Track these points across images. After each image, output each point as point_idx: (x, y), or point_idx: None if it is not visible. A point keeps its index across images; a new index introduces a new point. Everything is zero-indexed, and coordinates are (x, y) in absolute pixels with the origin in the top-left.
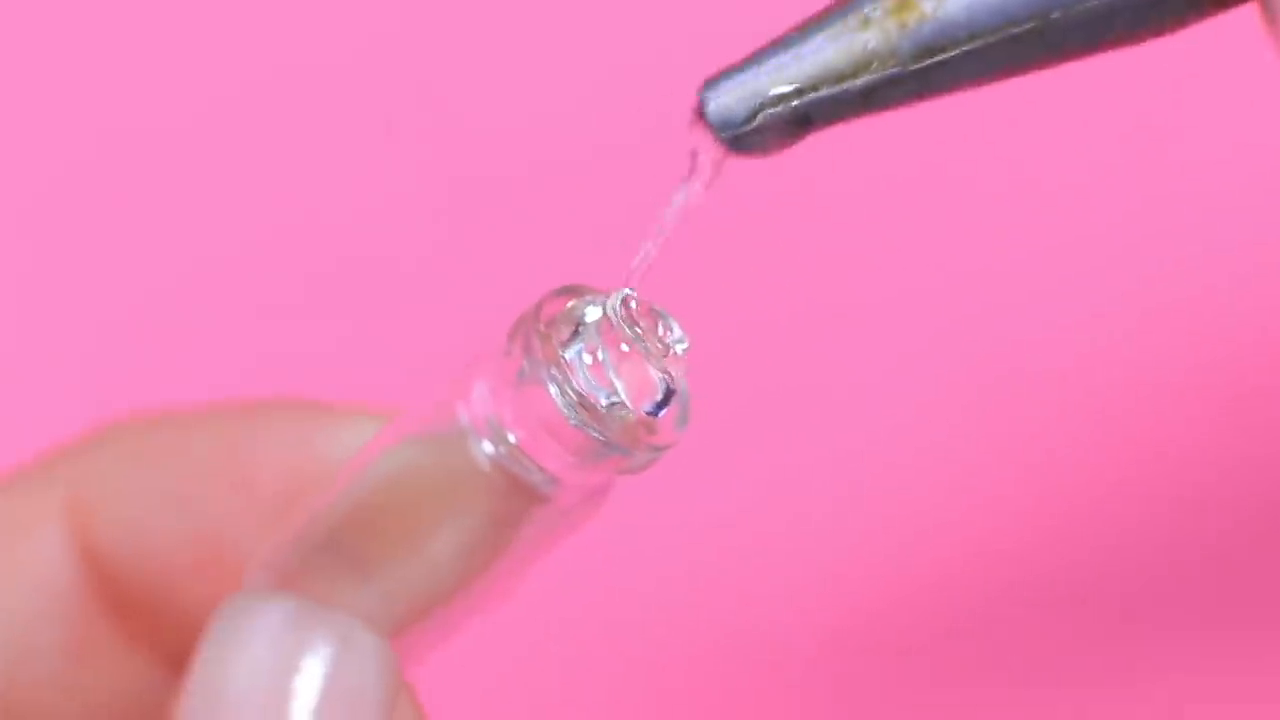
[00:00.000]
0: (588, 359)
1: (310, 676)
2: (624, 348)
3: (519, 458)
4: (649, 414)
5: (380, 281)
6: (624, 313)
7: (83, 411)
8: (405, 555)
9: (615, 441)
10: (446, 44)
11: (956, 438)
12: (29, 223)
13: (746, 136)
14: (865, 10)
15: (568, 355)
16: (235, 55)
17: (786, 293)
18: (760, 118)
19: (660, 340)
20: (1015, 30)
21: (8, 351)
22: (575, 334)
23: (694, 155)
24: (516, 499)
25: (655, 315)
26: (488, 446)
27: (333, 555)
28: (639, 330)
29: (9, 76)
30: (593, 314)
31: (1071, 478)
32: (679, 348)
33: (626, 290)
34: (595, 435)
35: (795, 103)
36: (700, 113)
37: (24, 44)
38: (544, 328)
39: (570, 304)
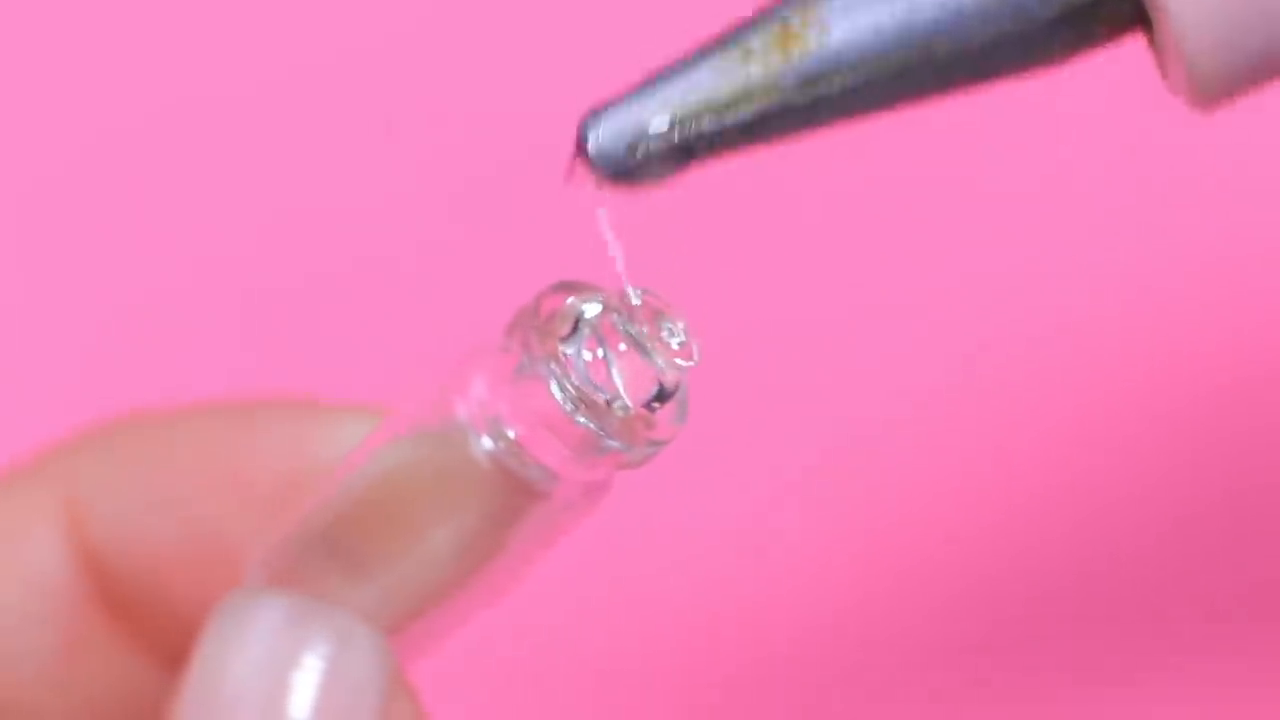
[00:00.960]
0: (587, 355)
1: (308, 673)
2: (622, 347)
3: (517, 453)
4: (647, 409)
5: (380, 281)
6: (624, 309)
7: (83, 411)
8: (403, 552)
9: (614, 436)
10: (446, 44)
11: (957, 437)
12: (27, 222)
13: (626, 171)
14: (748, 42)
15: (567, 351)
16: (235, 55)
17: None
18: (640, 152)
19: (659, 337)
20: (899, 64)
21: (4, 351)
22: (574, 330)
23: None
24: (515, 495)
25: (656, 311)
26: (486, 442)
27: (331, 553)
28: (639, 328)
29: (7, 76)
30: (591, 310)
31: (1073, 476)
32: (676, 344)
33: (637, 288)
34: (594, 430)
35: (675, 136)
36: (580, 147)
37: (24, 44)
38: (543, 323)
39: (569, 300)
